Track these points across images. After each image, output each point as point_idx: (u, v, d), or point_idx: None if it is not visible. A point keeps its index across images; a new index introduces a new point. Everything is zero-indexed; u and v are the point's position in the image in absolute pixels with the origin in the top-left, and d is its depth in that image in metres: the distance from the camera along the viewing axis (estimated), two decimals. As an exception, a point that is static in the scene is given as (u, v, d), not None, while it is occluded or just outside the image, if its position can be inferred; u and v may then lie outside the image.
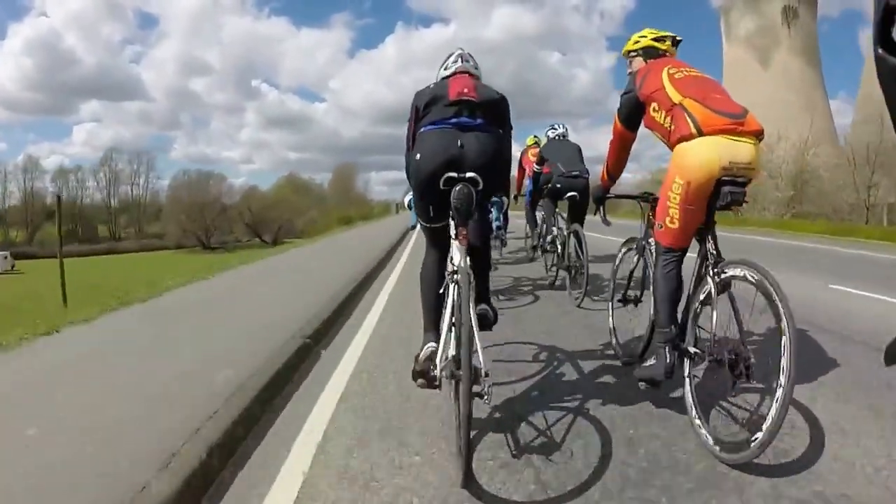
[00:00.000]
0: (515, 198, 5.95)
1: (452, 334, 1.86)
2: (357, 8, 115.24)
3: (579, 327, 3.69)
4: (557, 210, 5.16)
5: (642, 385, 2.24)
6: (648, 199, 2.68)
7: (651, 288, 2.33)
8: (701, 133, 2.03)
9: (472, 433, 1.91)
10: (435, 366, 1.93)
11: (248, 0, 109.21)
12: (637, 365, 2.35)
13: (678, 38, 2.54)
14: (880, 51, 0.63)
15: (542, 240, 5.50)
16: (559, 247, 4.88)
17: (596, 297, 4.49)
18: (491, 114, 2.20)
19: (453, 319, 1.88)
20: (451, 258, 2.05)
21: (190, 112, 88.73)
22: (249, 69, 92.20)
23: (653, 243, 2.58)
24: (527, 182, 5.98)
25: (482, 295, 2.25)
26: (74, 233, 53.62)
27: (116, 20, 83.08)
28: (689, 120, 2.07)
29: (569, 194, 4.70)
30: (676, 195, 2.09)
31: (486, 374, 1.74)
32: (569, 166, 4.74)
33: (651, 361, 2.18)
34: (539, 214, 5.69)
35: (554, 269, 5.15)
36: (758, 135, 2.06)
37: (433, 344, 2.02)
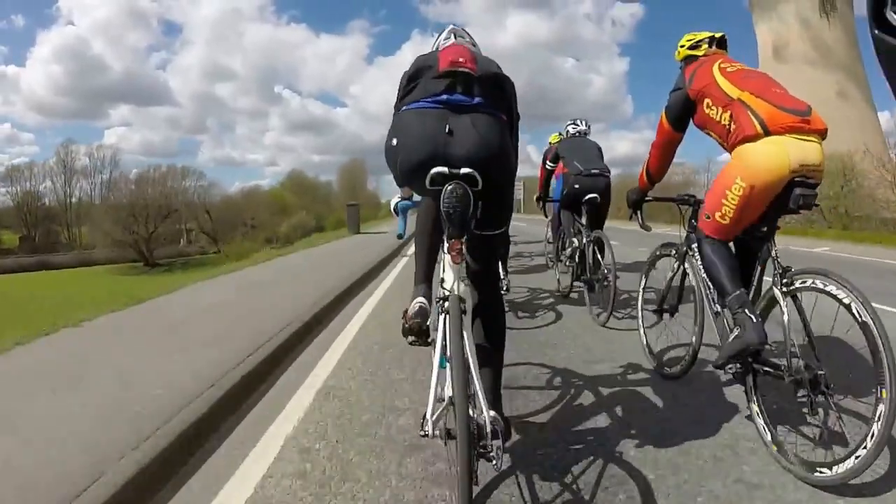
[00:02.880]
0: (537, 199, 5.44)
1: (447, 373, 1.46)
2: (373, 15, 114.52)
3: (605, 347, 3.27)
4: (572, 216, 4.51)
5: (731, 369, 1.93)
6: (690, 202, 2.49)
7: (702, 275, 2.17)
8: (767, 132, 1.86)
9: (477, 489, 1.57)
10: (425, 333, 1.60)
11: (268, 8, 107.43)
12: (716, 359, 2.00)
13: (717, 36, 2.37)
14: (877, 32, 0.63)
15: (559, 251, 4.94)
16: (577, 258, 4.34)
17: (620, 314, 3.94)
18: (493, 92, 1.72)
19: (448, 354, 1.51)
20: (442, 280, 1.65)
21: (216, 116, 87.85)
22: (272, 75, 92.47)
23: (696, 249, 2.41)
24: (554, 183, 5.26)
25: (491, 390, 1.65)
26: (31, 239, 42.70)
27: (141, 28, 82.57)
28: (752, 117, 1.90)
29: (588, 196, 4.10)
30: (735, 196, 1.92)
31: (495, 433, 1.36)
32: (587, 164, 4.14)
33: (735, 333, 1.90)
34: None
35: (569, 281, 4.64)
36: (823, 134, 1.91)
37: (422, 300, 1.65)
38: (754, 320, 1.83)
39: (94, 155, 46.59)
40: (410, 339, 1.69)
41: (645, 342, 2.79)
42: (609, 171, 4.27)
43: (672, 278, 2.59)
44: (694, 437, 1.99)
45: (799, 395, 1.76)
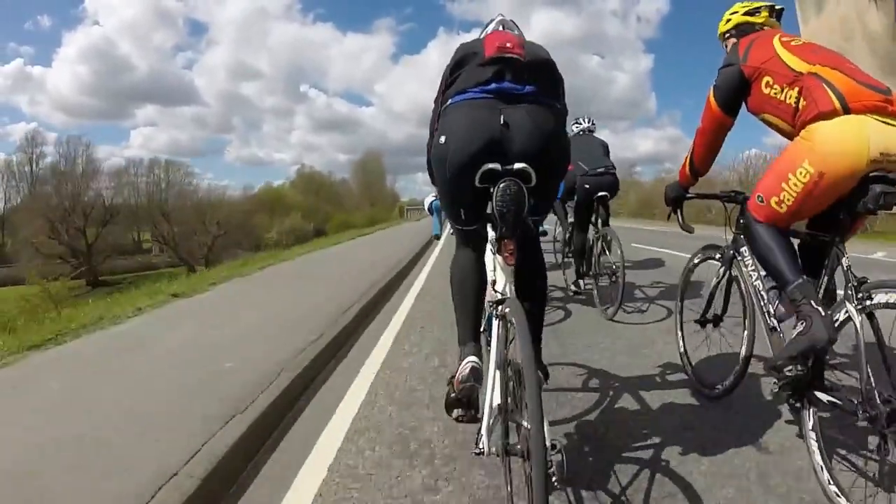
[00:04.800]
0: None
1: (498, 384, 1.38)
2: (399, 13, 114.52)
3: (628, 347, 3.18)
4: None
5: (790, 371, 1.58)
6: (738, 200, 2.19)
7: (755, 283, 1.94)
8: (847, 109, 1.55)
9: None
10: (475, 405, 1.51)
11: (294, 6, 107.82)
12: (772, 360, 1.71)
13: (777, 7, 2.06)
14: None
15: (567, 248, 4.97)
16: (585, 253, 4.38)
17: (630, 309, 4.03)
18: (544, 80, 1.61)
19: (496, 366, 1.41)
20: (494, 282, 1.55)
21: (242, 116, 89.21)
22: (298, 74, 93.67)
23: (746, 253, 2.12)
24: None
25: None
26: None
27: (167, 28, 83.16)
28: (829, 91, 1.59)
29: (598, 195, 4.17)
30: (800, 183, 1.62)
31: (555, 447, 1.27)
32: (593, 163, 4.22)
33: (799, 328, 1.58)
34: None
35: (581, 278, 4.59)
36: None
37: (474, 360, 1.51)
38: (823, 313, 1.53)
39: (65, 148, 36.03)
40: (456, 413, 1.55)
41: (684, 356, 2.50)
42: (615, 168, 4.31)
43: (717, 285, 2.29)
44: (744, 443, 1.87)
45: (869, 432, 1.51)
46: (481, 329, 1.66)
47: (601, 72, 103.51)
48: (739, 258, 2.14)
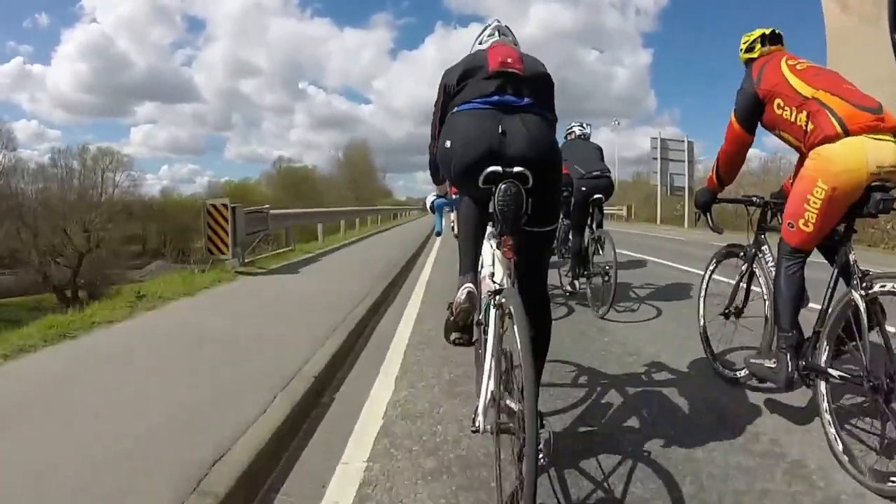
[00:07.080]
0: None
1: (493, 371, 1.47)
2: (396, 8, 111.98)
3: (617, 344, 3.33)
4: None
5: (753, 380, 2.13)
6: (759, 204, 2.49)
7: (772, 290, 2.20)
8: (847, 132, 1.87)
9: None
10: (469, 330, 1.68)
11: (291, 1, 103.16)
12: (753, 357, 2.22)
13: (767, 32, 2.32)
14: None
15: (564, 248, 5.16)
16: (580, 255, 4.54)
17: (621, 308, 4.23)
18: (540, 92, 1.78)
19: (493, 352, 1.50)
20: (493, 273, 1.69)
21: (241, 113, 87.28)
22: (297, 71, 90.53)
23: (766, 251, 2.42)
24: None
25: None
26: None
27: (164, 24, 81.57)
28: (831, 117, 1.91)
29: (594, 197, 4.40)
30: (818, 200, 1.93)
31: (543, 426, 1.34)
32: (588, 166, 4.44)
33: (771, 363, 2.06)
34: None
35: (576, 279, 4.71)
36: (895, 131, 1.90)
37: (470, 286, 1.66)
38: (789, 368, 1.99)
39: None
40: (454, 336, 1.73)
41: (706, 342, 2.78)
42: (609, 171, 4.59)
43: (740, 280, 2.60)
44: (726, 437, 2.02)
45: (872, 401, 1.77)
46: (478, 319, 1.73)
47: (600, 67, 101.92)
48: (760, 255, 2.44)
